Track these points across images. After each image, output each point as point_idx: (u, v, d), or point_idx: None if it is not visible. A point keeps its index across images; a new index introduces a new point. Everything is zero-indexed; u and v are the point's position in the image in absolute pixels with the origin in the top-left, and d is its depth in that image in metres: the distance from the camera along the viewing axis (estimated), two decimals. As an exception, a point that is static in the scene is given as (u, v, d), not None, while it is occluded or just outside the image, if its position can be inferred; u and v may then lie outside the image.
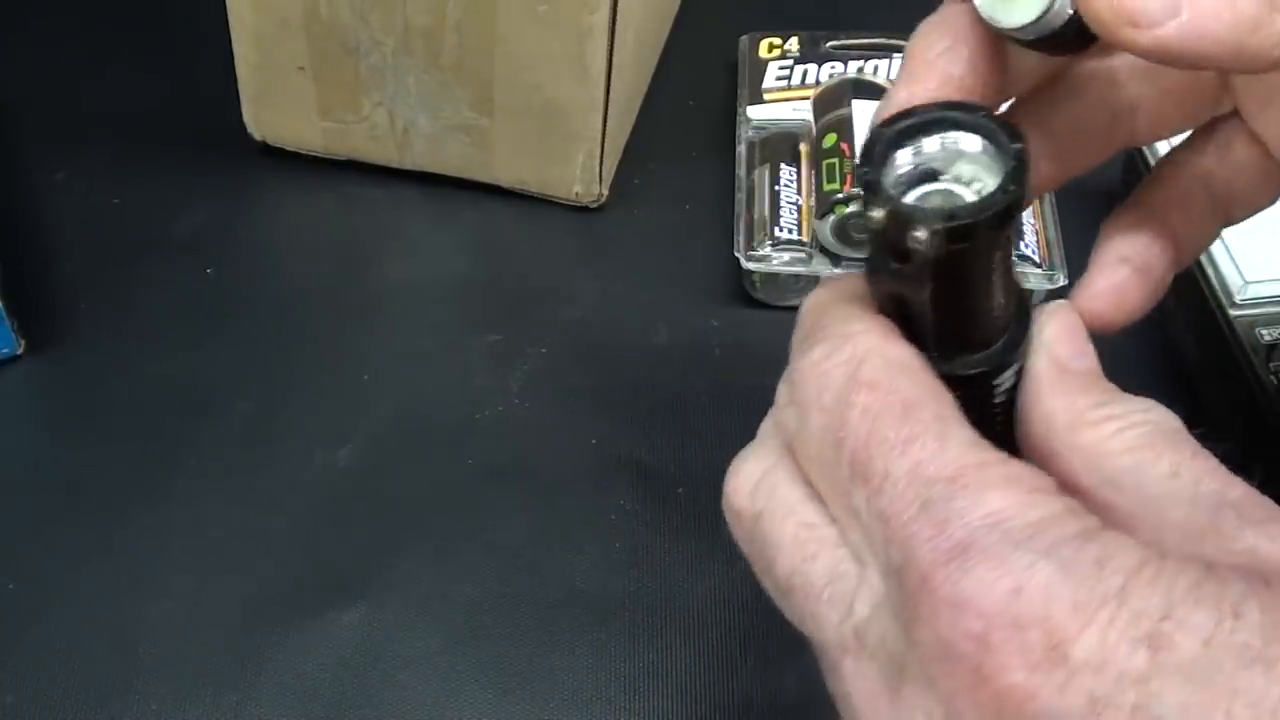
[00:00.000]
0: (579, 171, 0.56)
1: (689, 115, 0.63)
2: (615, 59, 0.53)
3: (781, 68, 0.61)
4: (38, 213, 0.58)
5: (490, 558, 0.46)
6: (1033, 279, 0.53)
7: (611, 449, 0.50)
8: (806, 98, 0.59)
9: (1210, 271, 0.50)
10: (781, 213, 0.54)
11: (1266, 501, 0.27)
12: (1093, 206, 0.58)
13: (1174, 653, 0.23)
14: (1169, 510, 0.27)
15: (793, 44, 0.62)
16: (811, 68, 0.60)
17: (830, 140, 0.55)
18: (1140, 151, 0.55)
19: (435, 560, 0.46)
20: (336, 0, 0.53)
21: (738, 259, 0.53)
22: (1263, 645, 0.23)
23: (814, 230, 0.53)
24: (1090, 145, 0.36)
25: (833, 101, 0.57)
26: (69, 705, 0.43)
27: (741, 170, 0.57)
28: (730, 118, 0.60)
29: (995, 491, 0.26)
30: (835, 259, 0.53)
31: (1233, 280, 0.50)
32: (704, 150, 0.61)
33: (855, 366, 0.28)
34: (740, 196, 0.56)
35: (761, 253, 0.53)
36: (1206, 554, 0.26)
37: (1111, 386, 0.30)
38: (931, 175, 0.29)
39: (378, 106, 0.56)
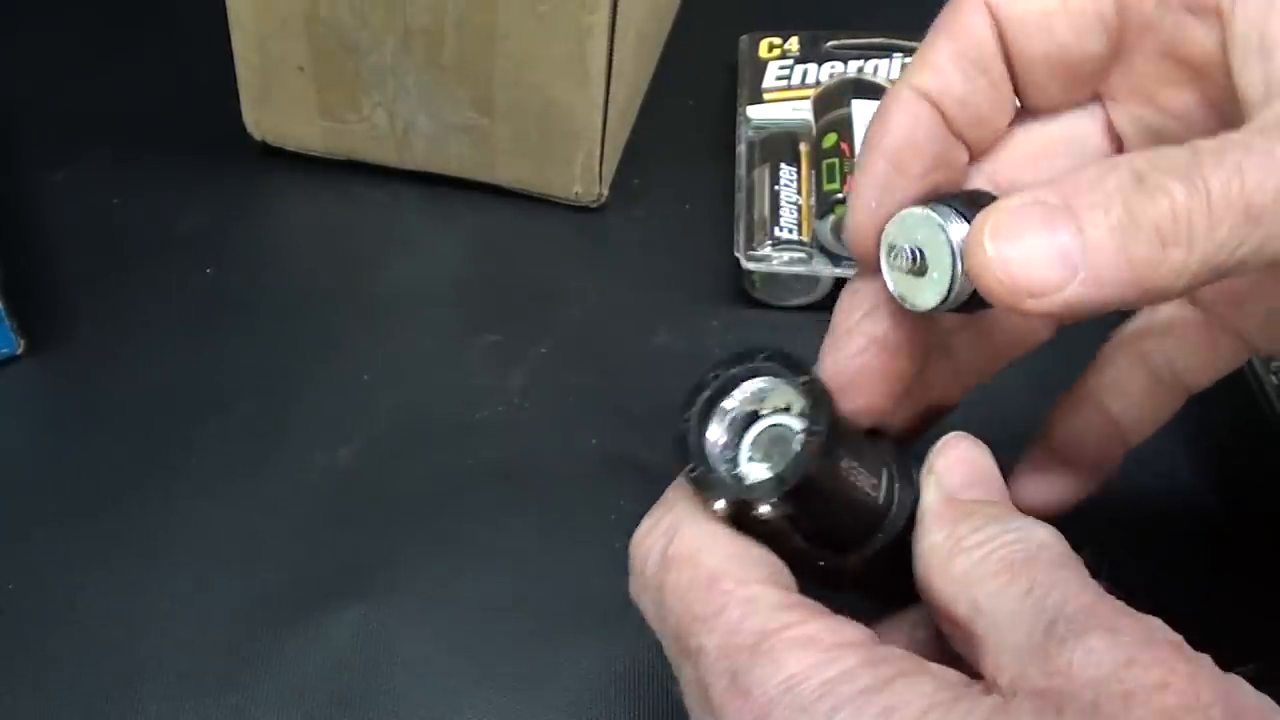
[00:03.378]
0: (579, 171, 0.56)
1: (689, 115, 0.63)
2: (615, 59, 0.53)
3: (781, 68, 0.61)
4: (38, 213, 0.58)
5: (490, 558, 0.46)
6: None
7: (611, 449, 0.50)
8: (806, 98, 0.59)
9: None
10: (781, 213, 0.54)
11: (1112, 608, 0.27)
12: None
13: None
14: (1014, 632, 0.28)
15: (793, 44, 0.62)
16: (811, 68, 0.60)
17: (830, 140, 0.55)
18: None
19: (435, 560, 0.46)
20: (336, 0, 0.53)
21: (738, 259, 0.53)
22: None
23: (814, 230, 0.53)
24: (1008, 342, 0.37)
25: (833, 101, 0.57)
26: (69, 705, 0.43)
27: (741, 170, 0.57)
28: (730, 118, 0.60)
29: (793, 655, 0.27)
30: (835, 259, 0.53)
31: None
32: (704, 150, 0.61)
33: (668, 540, 0.30)
34: (740, 196, 0.56)
35: (761, 253, 0.53)
36: (1031, 677, 0.27)
37: (1000, 511, 0.31)
38: (754, 416, 0.31)
39: (378, 106, 0.56)
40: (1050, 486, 0.37)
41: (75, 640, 0.44)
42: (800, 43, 0.62)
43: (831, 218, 0.52)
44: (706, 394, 0.31)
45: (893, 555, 0.31)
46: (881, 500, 0.32)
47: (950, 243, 0.30)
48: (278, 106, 0.58)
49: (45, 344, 0.52)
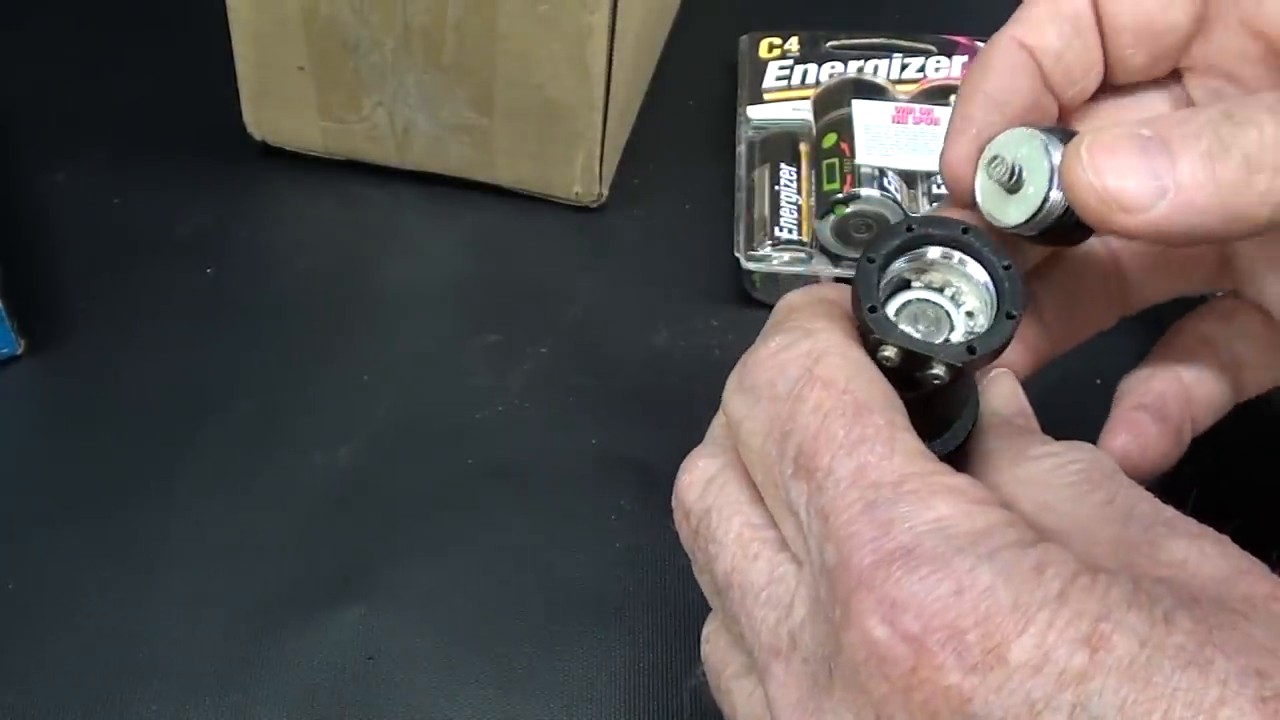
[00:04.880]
0: (579, 171, 0.56)
1: (689, 115, 0.63)
2: (615, 59, 0.53)
3: (781, 68, 0.61)
4: (38, 213, 0.58)
5: (490, 558, 0.46)
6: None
7: (611, 449, 0.50)
8: (806, 98, 0.59)
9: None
10: (781, 213, 0.54)
11: (1202, 525, 0.27)
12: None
13: (1112, 653, 0.24)
14: (1102, 529, 0.27)
15: (793, 44, 0.62)
16: (811, 68, 0.60)
17: (830, 140, 0.55)
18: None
19: (435, 560, 0.46)
20: (336, 0, 0.53)
21: (738, 259, 0.53)
22: (1197, 649, 0.23)
23: (814, 230, 0.53)
24: (1084, 321, 0.38)
25: (833, 101, 0.57)
26: (69, 705, 0.43)
27: (741, 170, 0.57)
28: (730, 118, 0.60)
29: (940, 499, 0.26)
30: (835, 259, 0.53)
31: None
32: (704, 150, 0.61)
33: (813, 361, 0.28)
34: (740, 196, 0.56)
35: (761, 253, 0.53)
36: (1137, 565, 0.26)
37: (1070, 443, 0.31)
38: (904, 284, 0.31)
39: (378, 106, 0.56)
40: (1147, 442, 0.37)
41: (75, 640, 0.44)
42: (800, 43, 0.62)
43: (832, 218, 0.52)
44: (898, 241, 0.30)
45: (951, 459, 0.32)
46: (964, 401, 0.32)
47: (1050, 159, 0.30)
48: (278, 106, 0.58)
49: (45, 344, 0.52)
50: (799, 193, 0.55)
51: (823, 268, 0.53)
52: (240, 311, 0.54)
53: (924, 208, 0.52)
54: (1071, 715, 0.23)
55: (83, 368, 0.52)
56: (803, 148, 0.57)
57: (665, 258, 0.57)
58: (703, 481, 0.31)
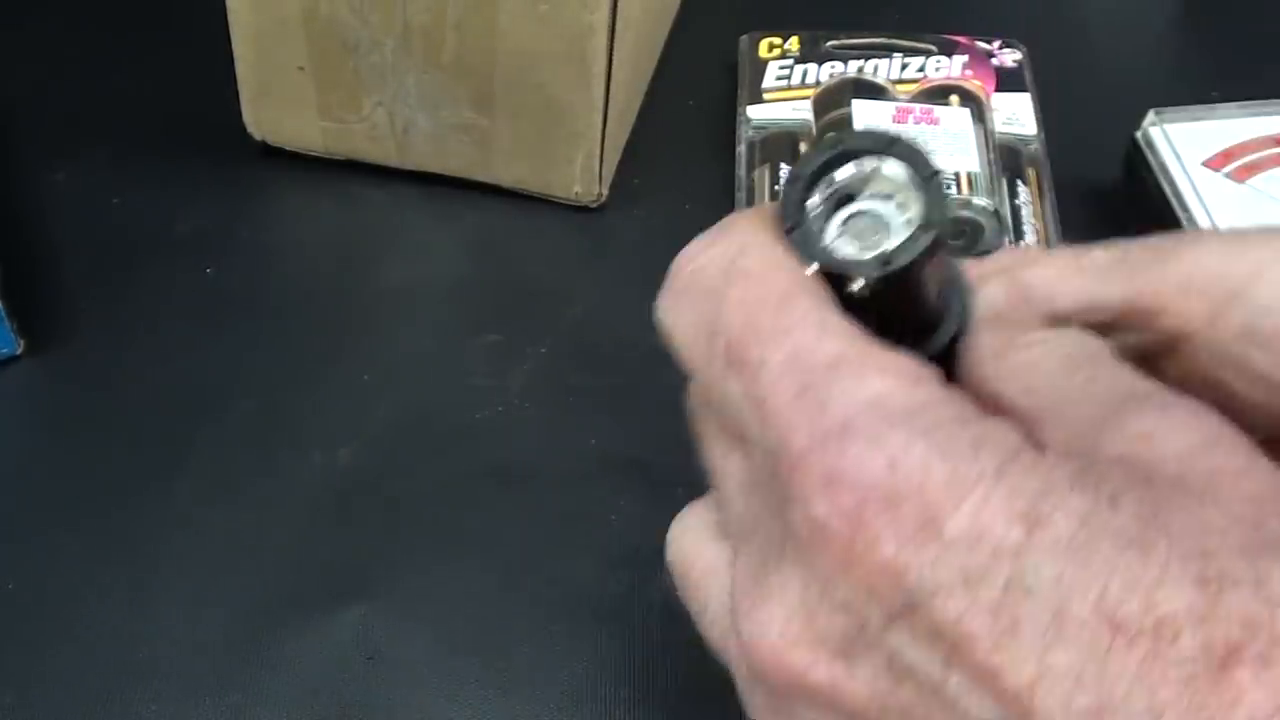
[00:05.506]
0: (579, 171, 0.56)
1: (689, 115, 0.63)
2: (615, 59, 0.53)
3: (781, 68, 0.61)
4: (38, 213, 0.58)
5: (490, 558, 0.46)
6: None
7: (611, 449, 0.50)
8: (806, 98, 0.59)
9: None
10: (781, 213, 0.54)
11: (1186, 396, 0.26)
12: (1093, 206, 0.58)
13: (1050, 530, 0.23)
14: (1077, 409, 0.27)
15: (793, 44, 0.62)
16: (811, 68, 0.60)
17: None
18: (1140, 152, 0.55)
19: (435, 560, 0.46)
20: (336, 0, 0.53)
21: (738, 259, 0.53)
22: (1140, 530, 0.23)
23: (814, 230, 0.53)
24: None
25: (833, 101, 0.57)
26: (69, 705, 0.43)
27: (741, 170, 0.57)
28: (730, 118, 0.60)
29: (875, 376, 0.25)
30: (835, 259, 0.53)
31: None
32: (704, 150, 0.61)
33: (732, 257, 0.28)
34: (740, 196, 0.56)
35: (761, 253, 0.53)
36: (1104, 442, 0.25)
37: (1061, 328, 0.30)
38: (848, 198, 0.30)
39: (378, 106, 0.56)
40: None
41: (75, 640, 0.44)
42: (800, 43, 0.62)
43: (831, 218, 0.52)
44: (824, 157, 0.30)
45: (941, 360, 0.31)
46: (948, 307, 0.31)
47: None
48: (278, 106, 0.58)
49: (45, 344, 0.52)
50: (799, 193, 0.55)
51: (823, 268, 0.53)
52: (240, 311, 0.54)
53: (924, 208, 0.52)
54: (1007, 589, 0.23)
55: (82, 368, 0.52)
56: (803, 148, 0.57)
57: (665, 258, 0.56)
58: (721, 263, 0.29)
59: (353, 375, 0.52)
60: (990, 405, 0.27)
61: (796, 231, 0.29)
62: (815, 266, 0.28)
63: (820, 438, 0.25)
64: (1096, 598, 0.23)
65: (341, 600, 0.45)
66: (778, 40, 0.62)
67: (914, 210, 0.29)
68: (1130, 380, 0.27)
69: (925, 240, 0.28)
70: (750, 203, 0.55)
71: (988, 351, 0.29)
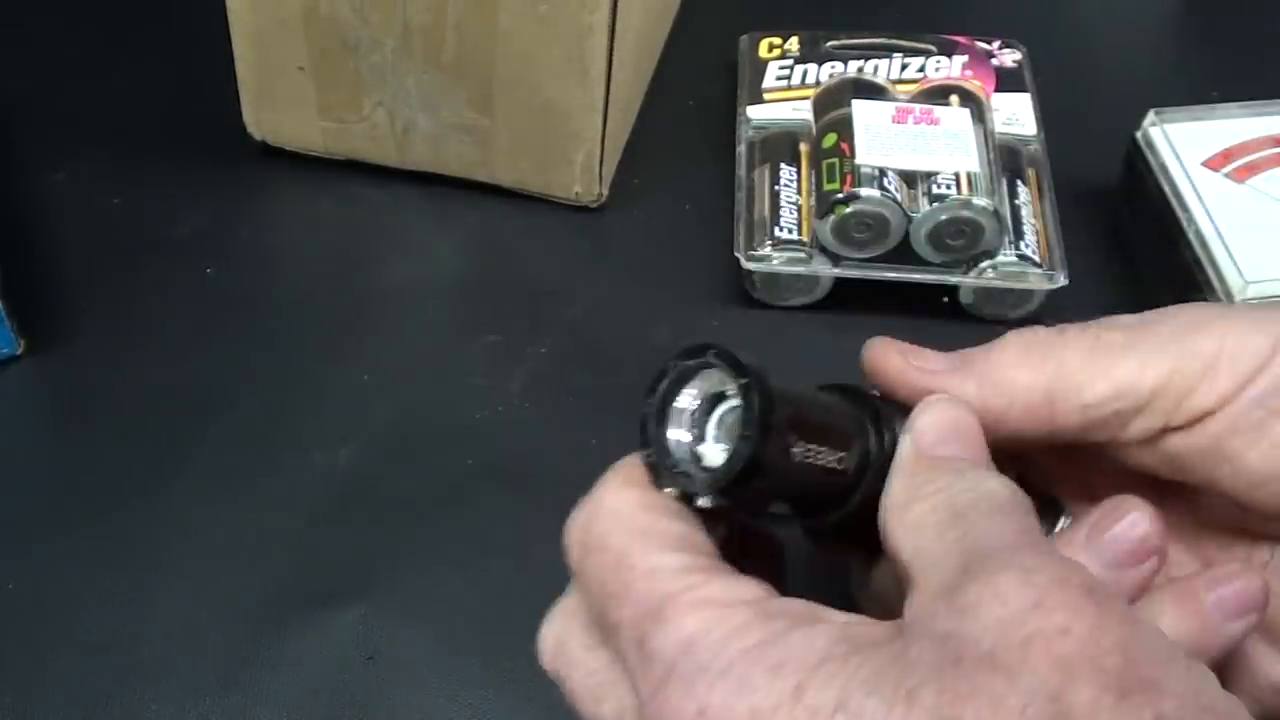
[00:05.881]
0: (579, 171, 0.56)
1: (689, 115, 0.63)
2: (615, 59, 0.53)
3: (781, 68, 0.61)
4: (38, 213, 0.58)
5: (490, 558, 0.46)
6: (1032, 279, 0.53)
7: (611, 449, 0.49)
8: (806, 98, 0.59)
9: (1210, 272, 0.50)
10: (781, 213, 0.54)
11: (1035, 549, 0.28)
12: (1093, 206, 0.58)
13: None
14: (941, 568, 0.28)
15: (793, 44, 0.62)
16: (811, 68, 0.60)
17: (830, 140, 0.55)
18: (1140, 152, 0.55)
19: (435, 560, 0.46)
20: (336, 0, 0.53)
21: (738, 259, 0.53)
22: None
23: (814, 230, 0.53)
24: None
25: (833, 101, 0.57)
26: (69, 706, 0.43)
27: (741, 170, 0.57)
28: (730, 118, 0.60)
29: (689, 616, 0.28)
30: (835, 259, 0.53)
31: (1233, 280, 0.50)
32: (704, 150, 0.61)
33: (586, 529, 0.31)
34: (740, 196, 0.56)
35: (761, 253, 0.53)
36: (938, 617, 0.27)
37: (966, 465, 0.31)
38: (720, 396, 0.31)
39: (378, 106, 0.56)
40: None
41: (75, 641, 0.44)
42: (800, 43, 0.62)
43: (832, 218, 0.52)
44: (665, 382, 0.31)
45: (861, 514, 0.32)
46: (853, 468, 0.32)
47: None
48: (278, 106, 0.58)
49: (45, 344, 0.52)
50: (799, 193, 0.55)
51: (823, 268, 0.53)
52: (240, 311, 0.54)
53: (924, 207, 0.52)
54: None
55: (83, 368, 0.52)
56: (803, 148, 0.57)
57: (665, 258, 0.57)
58: (550, 648, 0.33)
59: (353, 375, 0.52)
60: (900, 565, 0.30)
61: (654, 460, 0.31)
62: (672, 490, 0.30)
63: (651, 690, 0.28)
64: None
65: (341, 600, 0.45)
66: (778, 40, 0.62)
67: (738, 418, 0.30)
68: (999, 534, 0.28)
69: (745, 450, 0.29)
70: (750, 202, 0.55)
71: (895, 503, 0.31)
